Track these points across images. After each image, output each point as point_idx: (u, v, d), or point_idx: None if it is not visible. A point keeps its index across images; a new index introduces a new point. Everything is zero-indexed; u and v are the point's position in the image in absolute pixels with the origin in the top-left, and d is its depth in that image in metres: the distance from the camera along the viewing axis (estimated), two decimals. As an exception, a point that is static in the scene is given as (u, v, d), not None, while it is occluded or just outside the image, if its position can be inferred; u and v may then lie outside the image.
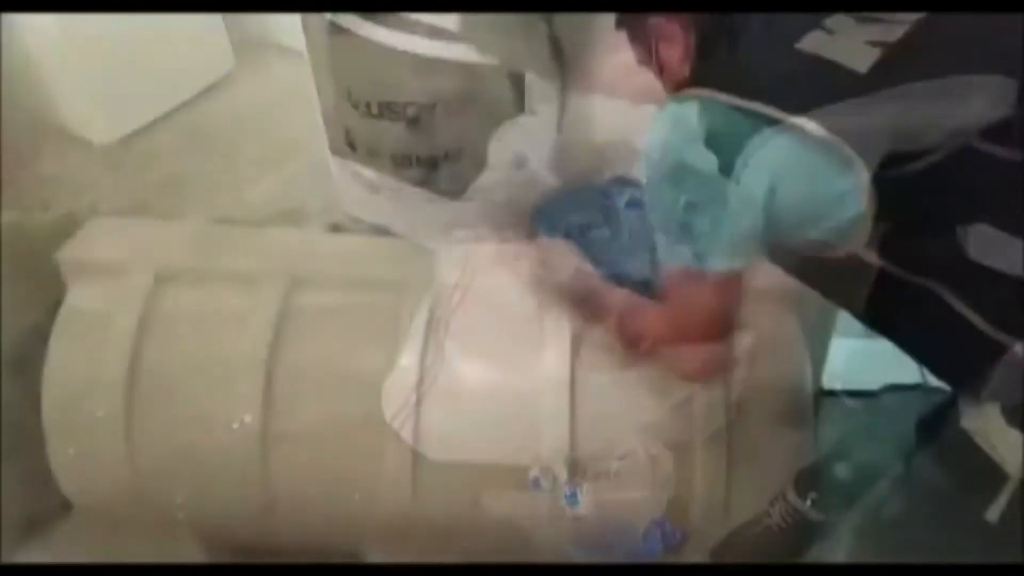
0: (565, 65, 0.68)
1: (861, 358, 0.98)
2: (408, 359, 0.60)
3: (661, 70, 0.49)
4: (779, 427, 0.63)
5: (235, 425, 0.62)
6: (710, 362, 0.52)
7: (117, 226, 0.69)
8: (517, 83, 0.62)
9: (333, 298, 0.63)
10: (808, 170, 0.41)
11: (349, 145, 0.64)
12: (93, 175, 0.79)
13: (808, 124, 0.40)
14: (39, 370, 0.66)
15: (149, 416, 0.64)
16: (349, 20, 0.58)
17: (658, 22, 0.47)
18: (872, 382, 0.96)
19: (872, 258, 0.45)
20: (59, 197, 0.77)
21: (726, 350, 0.52)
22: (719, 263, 0.45)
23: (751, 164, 0.41)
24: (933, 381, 0.54)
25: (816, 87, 0.41)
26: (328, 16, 0.58)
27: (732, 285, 0.47)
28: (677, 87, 0.48)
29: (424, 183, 0.62)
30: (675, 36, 0.47)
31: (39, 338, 0.70)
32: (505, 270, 0.63)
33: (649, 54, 0.49)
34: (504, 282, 0.62)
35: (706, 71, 0.46)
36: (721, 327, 0.50)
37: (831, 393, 0.95)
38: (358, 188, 0.65)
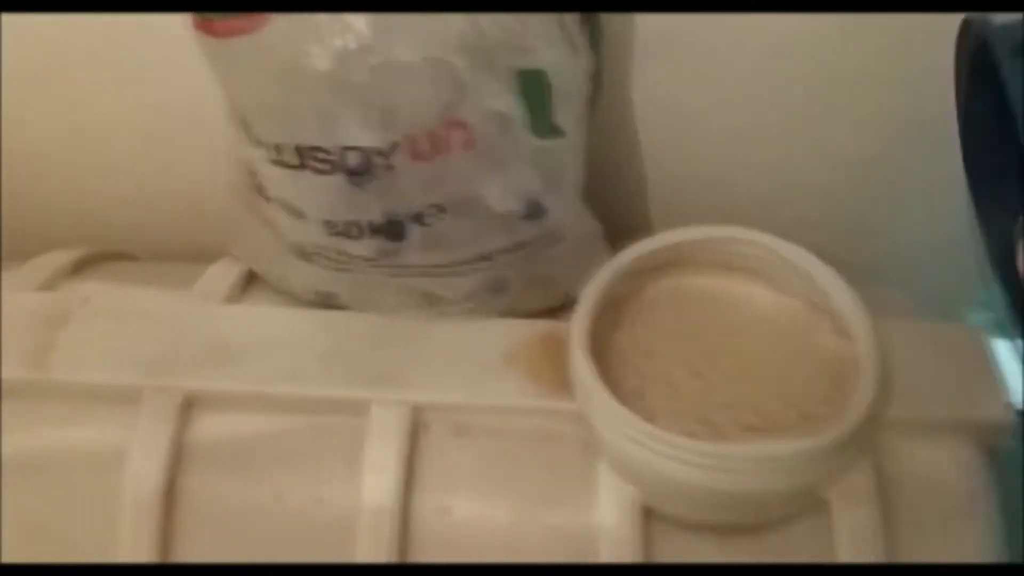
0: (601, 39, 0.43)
1: None
2: (385, 498, 0.39)
3: None
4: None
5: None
6: None
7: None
8: (532, 86, 0.37)
9: (246, 426, 0.41)
10: None
11: (257, 190, 0.39)
12: None
13: None
14: None
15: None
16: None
17: None
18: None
19: None
20: None
21: None
22: None
23: None
24: None
25: None
26: None
27: None
28: None
29: (383, 256, 0.38)
30: None
31: None
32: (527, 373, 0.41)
33: None
34: (533, 389, 0.39)
35: None
36: None
37: None
38: (279, 248, 0.41)
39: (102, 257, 0.51)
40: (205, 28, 0.32)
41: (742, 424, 0.37)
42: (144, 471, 0.39)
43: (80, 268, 0.49)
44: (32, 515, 0.41)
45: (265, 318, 0.43)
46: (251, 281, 0.47)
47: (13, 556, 0.41)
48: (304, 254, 0.40)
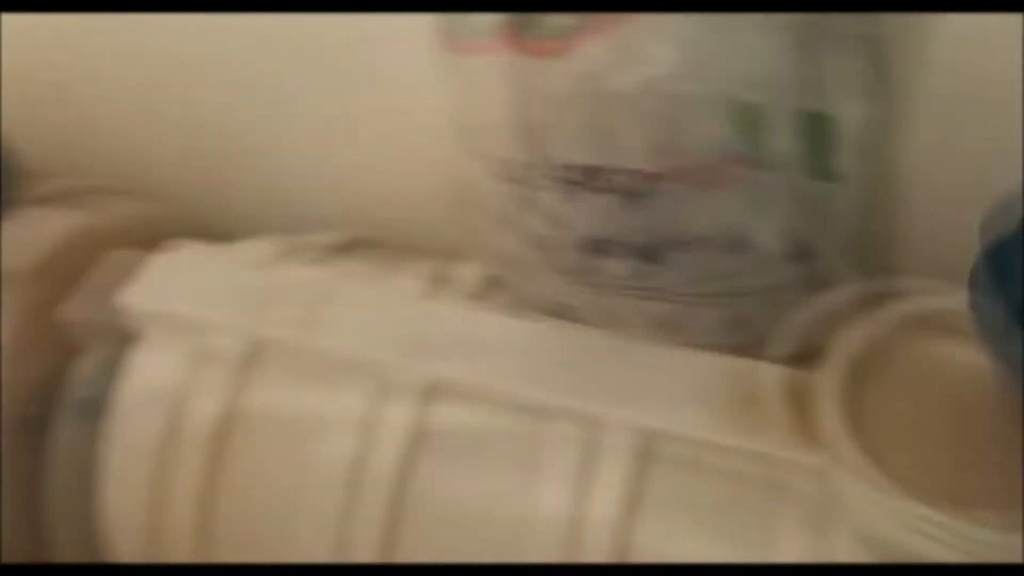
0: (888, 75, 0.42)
1: None
2: (607, 515, 0.38)
3: None
4: None
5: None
6: None
7: (200, 257, 0.50)
8: (815, 128, 0.37)
9: (479, 420, 0.43)
10: None
11: (524, 202, 0.41)
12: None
13: None
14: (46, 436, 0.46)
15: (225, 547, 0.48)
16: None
17: None
18: None
19: None
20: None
21: None
22: None
23: None
24: None
25: None
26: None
27: None
28: None
29: (634, 278, 0.39)
30: None
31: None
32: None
33: None
34: (770, 436, 0.37)
35: None
36: None
37: None
38: (530, 258, 0.43)
39: (360, 243, 0.55)
40: (517, 47, 0.34)
41: (995, 506, 0.34)
42: (383, 447, 0.41)
43: (343, 249, 0.53)
44: (262, 473, 0.44)
45: (507, 319, 0.45)
46: (493, 284, 0.49)
47: (236, 507, 0.45)
48: (556, 267, 0.41)
